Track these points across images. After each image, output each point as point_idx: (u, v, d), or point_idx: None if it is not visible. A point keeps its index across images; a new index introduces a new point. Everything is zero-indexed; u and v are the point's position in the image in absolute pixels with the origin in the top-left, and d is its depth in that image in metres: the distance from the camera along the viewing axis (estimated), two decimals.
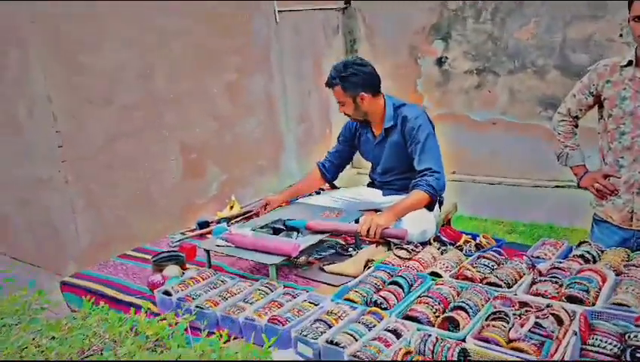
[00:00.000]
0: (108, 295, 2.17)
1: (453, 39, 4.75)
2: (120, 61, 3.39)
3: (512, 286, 1.90)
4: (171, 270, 2.21)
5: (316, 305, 1.87)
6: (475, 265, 2.05)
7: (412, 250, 2.27)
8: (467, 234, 2.48)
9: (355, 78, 2.56)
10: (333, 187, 3.09)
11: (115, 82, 3.38)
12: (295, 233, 2.39)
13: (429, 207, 2.55)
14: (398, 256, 2.23)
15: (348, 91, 2.58)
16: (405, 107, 2.68)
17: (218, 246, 2.21)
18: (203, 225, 2.73)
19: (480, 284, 1.88)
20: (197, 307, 1.90)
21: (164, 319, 1.55)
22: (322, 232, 2.35)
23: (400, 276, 1.97)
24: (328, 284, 2.15)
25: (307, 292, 1.98)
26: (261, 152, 4.52)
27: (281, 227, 2.42)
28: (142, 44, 3.49)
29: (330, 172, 2.99)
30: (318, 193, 3.08)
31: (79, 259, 3.25)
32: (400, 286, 1.91)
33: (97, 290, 2.22)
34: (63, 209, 3.24)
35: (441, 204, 2.79)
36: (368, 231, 2.32)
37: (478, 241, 2.34)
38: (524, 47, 4.44)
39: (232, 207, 2.93)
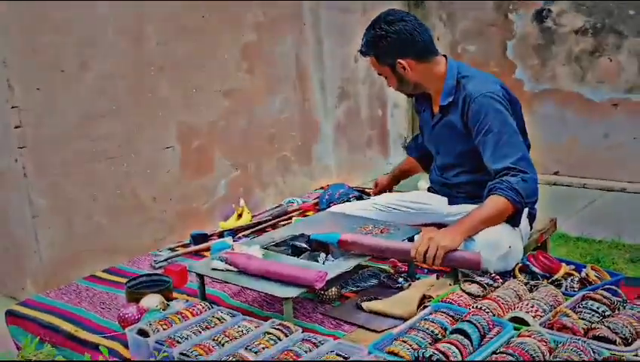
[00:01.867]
0: (64, 331, 2.16)
1: None
2: (100, 15, 3.40)
3: (631, 343, 1.81)
4: (151, 300, 2.19)
5: (346, 358, 1.82)
6: (578, 310, 1.97)
7: (487, 284, 2.19)
8: (569, 263, 2.40)
9: (384, 42, 2.55)
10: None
11: (92, 43, 3.39)
12: (323, 254, 2.34)
13: (513, 222, 2.45)
14: (468, 293, 2.16)
15: (382, 60, 2.62)
16: (471, 79, 2.59)
17: (214, 269, 2.17)
18: (199, 238, 2.71)
19: (584, 339, 1.80)
20: (181, 355, 1.86)
21: None
22: (361, 254, 2.28)
23: (468, 321, 1.89)
24: (366, 329, 2.12)
25: (335, 339, 1.94)
26: (287, 141, 4.50)
27: (304, 245, 2.37)
28: None
29: (424, 160, 3.07)
30: (359, 198, 3.02)
31: (39, 279, 3.28)
32: (467, 336, 1.84)
33: (51, 324, 2.21)
34: (19, 211, 3.27)
35: (532, 218, 2.68)
36: (426, 254, 2.23)
37: (584, 274, 2.28)
38: None
39: (240, 216, 2.91)
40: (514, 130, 2.48)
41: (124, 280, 2.41)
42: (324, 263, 2.28)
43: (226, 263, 2.18)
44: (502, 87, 2.57)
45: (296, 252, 2.38)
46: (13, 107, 3.13)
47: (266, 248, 2.34)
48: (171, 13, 3.71)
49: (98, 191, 3.47)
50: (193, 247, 2.69)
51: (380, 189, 3.13)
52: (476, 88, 2.53)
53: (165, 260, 2.61)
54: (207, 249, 2.65)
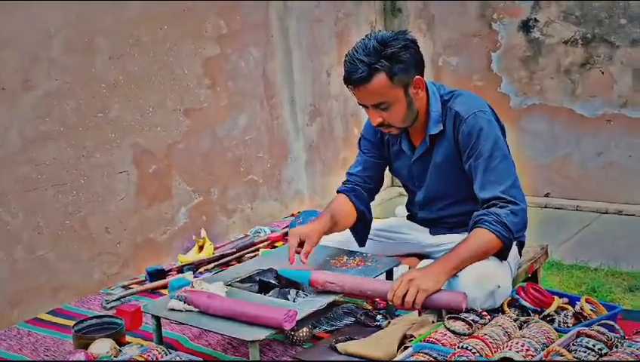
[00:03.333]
0: None
1: None
2: (46, 26, 3.36)
3: None
4: (101, 346, 2.18)
5: None
6: (572, 348, 1.97)
7: (473, 321, 2.20)
8: (562, 295, 2.42)
9: (407, 55, 2.40)
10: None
11: (37, 58, 3.34)
12: (294, 291, 2.32)
13: (501, 256, 2.44)
14: (452, 331, 2.16)
15: (399, 78, 2.40)
16: (457, 99, 2.55)
17: (172, 310, 2.13)
18: (155, 275, 2.67)
19: None
20: None
21: None
22: (333, 292, 2.26)
23: None
24: None
25: None
26: (254, 163, 4.46)
27: (272, 281, 2.35)
28: (78, 2, 3.47)
29: (364, 203, 2.76)
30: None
31: None
32: None
33: None
34: None
35: (521, 246, 2.69)
36: (404, 298, 2.22)
37: (578, 308, 2.30)
38: None
39: (201, 248, 2.87)
40: (505, 154, 2.48)
41: (71, 323, 2.38)
42: (294, 300, 2.27)
43: (185, 303, 2.15)
44: (487, 105, 2.57)
45: (264, 288, 2.36)
46: None
47: (229, 285, 2.31)
48: (125, 25, 3.68)
49: (43, 222, 3.40)
50: (149, 284, 2.66)
51: (310, 249, 2.42)
52: (465, 108, 2.51)
53: (117, 299, 2.56)
54: (165, 286, 2.61)
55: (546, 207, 4.82)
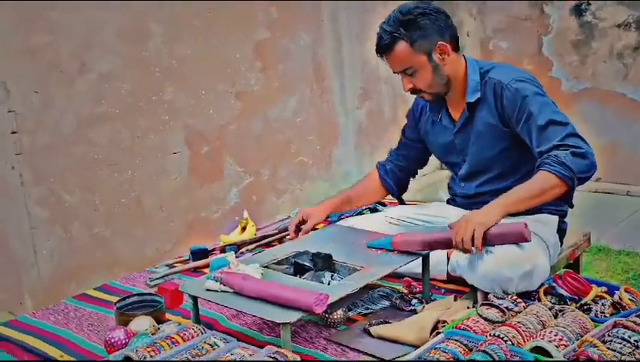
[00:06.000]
0: (49, 357, 2.13)
1: None
2: (99, 14, 3.38)
3: None
4: (141, 323, 2.17)
5: None
6: (607, 339, 1.88)
7: (507, 308, 2.10)
8: (600, 284, 2.30)
9: (425, 21, 2.43)
10: (402, 202, 2.95)
11: (93, 43, 3.38)
12: (328, 274, 2.27)
13: (566, 201, 2.44)
14: (485, 318, 2.08)
15: (419, 44, 2.43)
16: (496, 69, 2.53)
17: (208, 290, 2.11)
18: (198, 254, 2.66)
19: None
20: None
21: None
22: (372, 273, 2.24)
23: (483, 351, 1.81)
24: (373, 357, 2.06)
25: None
26: (305, 145, 4.46)
27: (307, 264, 2.30)
28: None
29: (394, 179, 2.89)
30: (373, 210, 2.94)
31: (38, 294, 3.26)
32: None
33: (34, 348, 2.18)
34: (17, 222, 3.26)
35: (562, 233, 2.60)
36: (464, 239, 2.20)
37: (616, 298, 2.17)
38: None
39: (243, 229, 2.85)
40: (555, 109, 2.41)
41: (116, 299, 2.38)
42: (328, 283, 2.21)
43: (220, 283, 2.12)
44: (525, 73, 2.53)
45: (300, 270, 2.31)
46: (9, 111, 3.13)
47: (265, 266, 2.28)
48: (176, 11, 3.69)
49: (100, 200, 3.45)
50: (192, 264, 2.64)
51: (309, 230, 2.66)
52: (505, 76, 2.48)
53: (161, 277, 2.56)
54: (207, 265, 2.59)
55: (596, 192, 4.71)
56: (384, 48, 2.47)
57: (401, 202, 2.97)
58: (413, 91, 2.54)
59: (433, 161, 3.04)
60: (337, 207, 2.82)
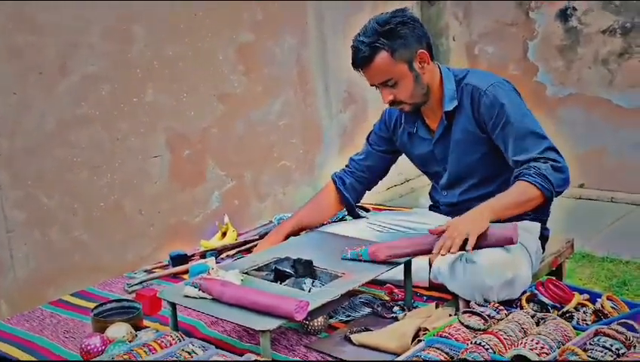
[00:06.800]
0: None
1: None
2: (83, 14, 3.38)
3: None
4: (118, 330, 2.14)
5: None
6: (588, 347, 1.87)
7: (489, 316, 2.10)
8: (582, 292, 2.30)
9: (405, 30, 2.40)
10: (356, 217, 2.93)
11: (74, 44, 3.37)
12: (309, 280, 2.26)
13: (541, 213, 2.45)
14: (467, 326, 2.07)
15: (400, 52, 2.40)
16: (471, 76, 2.53)
17: (186, 297, 2.09)
18: (178, 260, 2.64)
19: None
20: None
21: None
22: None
23: (464, 360, 1.82)
24: None
25: None
26: (288, 148, 4.47)
27: (288, 270, 2.29)
28: None
29: (354, 195, 2.83)
30: (357, 216, 2.91)
31: (14, 300, 3.25)
32: None
33: (8, 356, 2.15)
34: None
35: (544, 240, 2.60)
36: (450, 249, 2.18)
37: (598, 306, 2.17)
38: None
39: (224, 234, 2.83)
40: (533, 119, 2.42)
41: (93, 306, 2.35)
42: (309, 290, 2.20)
43: (199, 290, 2.10)
44: (503, 79, 2.53)
45: (280, 277, 2.30)
46: None
47: (246, 273, 2.26)
48: (161, 12, 3.69)
49: (79, 204, 3.44)
50: (171, 269, 2.63)
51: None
52: (483, 82, 2.48)
53: (139, 283, 2.54)
54: (187, 271, 2.57)
55: (580, 198, 4.74)
56: (363, 60, 2.41)
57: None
58: (393, 103, 2.50)
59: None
60: (291, 234, 2.70)
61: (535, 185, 2.27)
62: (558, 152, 2.37)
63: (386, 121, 2.77)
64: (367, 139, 2.85)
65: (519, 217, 2.39)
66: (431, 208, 2.83)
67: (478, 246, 2.20)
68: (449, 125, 2.55)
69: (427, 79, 2.48)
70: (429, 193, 2.85)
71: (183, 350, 2.00)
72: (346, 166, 2.88)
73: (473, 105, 2.48)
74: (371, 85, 2.50)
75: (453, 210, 2.64)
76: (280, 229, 2.73)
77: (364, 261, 2.30)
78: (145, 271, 2.67)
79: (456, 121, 2.53)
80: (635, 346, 1.89)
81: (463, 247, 2.19)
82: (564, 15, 4.76)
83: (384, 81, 2.44)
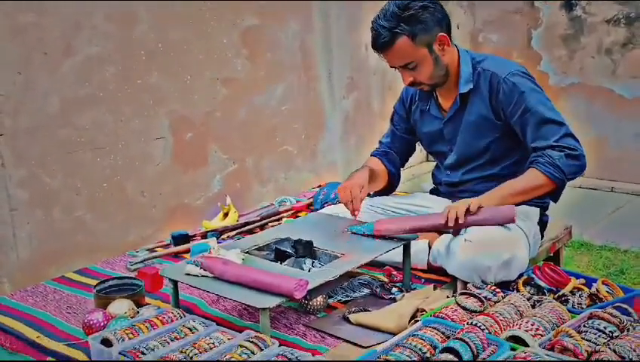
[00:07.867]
0: (25, 338, 2.14)
1: None
2: None
3: None
4: (120, 306, 2.18)
5: None
6: (583, 329, 1.91)
7: (486, 298, 2.14)
8: (578, 276, 2.34)
9: (426, 14, 2.42)
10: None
11: (79, 25, 3.37)
12: (309, 260, 2.29)
13: (553, 198, 2.50)
14: (463, 307, 2.11)
15: (420, 37, 2.42)
16: (489, 61, 2.56)
17: (188, 275, 2.12)
18: (179, 239, 2.68)
19: None
20: None
21: None
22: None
23: (460, 339, 1.85)
24: (352, 343, 2.07)
25: (316, 354, 1.91)
26: (290, 133, 4.47)
27: (288, 250, 2.32)
28: None
29: (394, 163, 2.88)
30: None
31: (17, 278, 3.26)
32: (458, 355, 1.80)
33: (12, 330, 2.19)
34: None
35: (543, 226, 2.63)
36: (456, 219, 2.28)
37: (594, 290, 2.22)
38: None
39: (225, 215, 2.86)
40: (551, 106, 2.47)
41: (95, 283, 2.39)
42: (309, 270, 2.24)
43: (200, 268, 2.14)
44: (519, 65, 2.57)
45: (281, 257, 2.34)
46: None
47: (247, 252, 2.30)
48: None
49: (82, 184, 3.45)
50: (173, 248, 2.66)
51: (360, 202, 2.52)
52: (501, 68, 2.51)
53: (141, 261, 2.58)
54: (188, 251, 2.61)
55: (580, 187, 4.74)
56: (383, 45, 2.43)
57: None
58: (413, 84, 2.55)
59: (419, 152, 3.06)
60: (372, 175, 2.68)
61: (545, 175, 2.34)
62: (575, 138, 2.42)
63: (403, 99, 2.82)
64: (391, 120, 2.90)
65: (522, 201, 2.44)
66: (432, 191, 2.86)
67: (478, 223, 2.27)
68: (462, 107, 2.59)
69: (446, 60, 2.52)
70: (432, 172, 2.89)
71: (184, 326, 2.04)
72: (376, 149, 2.93)
73: (491, 91, 2.50)
74: (391, 67, 2.54)
75: (454, 190, 2.69)
76: (362, 170, 2.66)
77: (369, 235, 2.36)
78: (147, 250, 2.71)
79: (470, 104, 2.57)
80: (628, 329, 1.93)
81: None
82: (568, 4, 4.76)
83: (405, 64, 2.47)
